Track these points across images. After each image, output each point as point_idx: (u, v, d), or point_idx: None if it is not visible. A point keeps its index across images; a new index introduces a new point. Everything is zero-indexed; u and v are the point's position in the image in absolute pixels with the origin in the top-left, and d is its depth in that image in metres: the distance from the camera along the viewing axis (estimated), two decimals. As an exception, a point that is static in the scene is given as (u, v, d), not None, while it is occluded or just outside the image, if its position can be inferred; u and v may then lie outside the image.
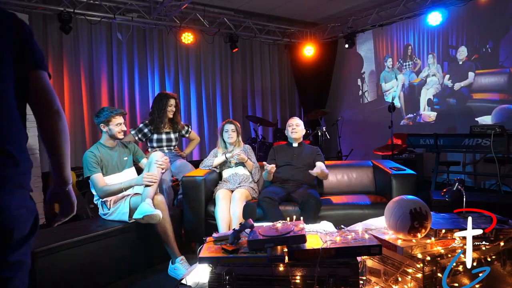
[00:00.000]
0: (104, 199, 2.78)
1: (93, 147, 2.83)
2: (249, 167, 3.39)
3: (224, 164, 3.43)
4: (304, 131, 3.49)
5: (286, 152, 3.42)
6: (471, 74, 5.56)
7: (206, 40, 6.47)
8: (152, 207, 2.56)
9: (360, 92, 7.44)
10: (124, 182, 2.77)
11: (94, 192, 2.82)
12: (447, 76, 5.93)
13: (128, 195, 2.76)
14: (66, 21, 4.80)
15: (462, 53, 5.69)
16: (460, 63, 5.72)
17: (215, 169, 3.44)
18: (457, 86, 5.79)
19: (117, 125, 2.82)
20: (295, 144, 3.44)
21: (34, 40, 1.18)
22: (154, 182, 2.67)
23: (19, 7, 4.61)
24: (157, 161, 2.74)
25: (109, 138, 2.86)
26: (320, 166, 3.18)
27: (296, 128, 3.41)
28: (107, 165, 2.79)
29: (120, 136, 2.85)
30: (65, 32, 4.89)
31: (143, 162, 3.05)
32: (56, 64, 5.12)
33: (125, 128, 2.89)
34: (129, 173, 2.94)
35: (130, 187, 2.77)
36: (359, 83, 7.47)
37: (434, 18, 5.52)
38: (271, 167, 3.13)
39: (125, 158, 2.94)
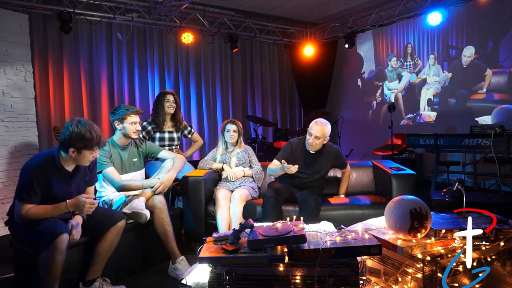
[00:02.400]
0: (105, 199, 2.79)
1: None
2: (248, 176, 3.37)
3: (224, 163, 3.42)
4: (325, 141, 3.00)
5: (301, 159, 3.08)
6: (488, 73, 5.43)
7: (206, 40, 6.47)
8: (143, 206, 2.56)
9: (360, 92, 7.44)
10: (145, 181, 2.78)
11: (97, 189, 2.82)
12: (449, 74, 5.93)
13: (129, 196, 2.75)
14: (66, 21, 4.80)
15: (467, 54, 5.65)
16: (465, 66, 5.69)
17: (215, 169, 3.43)
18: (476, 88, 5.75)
19: (132, 123, 2.77)
20: (312, 151, 3.07)
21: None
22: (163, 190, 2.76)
23: (19, 7, 4.61)
24: (155, 188, 2.72)
25: (122, 136, 2.81)
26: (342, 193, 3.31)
27: (313, 141, 2.94)
28: (114, 164, 2.75)
29: (134, 136, 2.81)
30: (65, 32, 4.89)
31: (162, 155, 3.00)
32: (56, 64, 5.12)
33: (139, 128, 2.86)
34: (135, 176, 2.88)
35: (150, 187, 2.72)
36: (359, 83, 7.47)
37: (434, 18, 5.51)
38: (293, 168, 2.82)
39: (135, 160, 2.89)
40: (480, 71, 5.49)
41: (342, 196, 3.26)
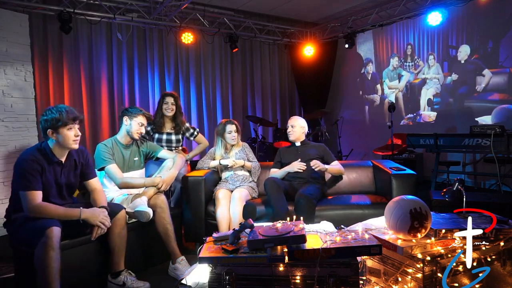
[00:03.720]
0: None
1: (107, 141, 2.82)
2: (247, 168, 3.39)
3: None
4: (303, 131, 3.43)
5: (291, 152, 3.43)
6: (487, 73, 5.42)
7: (206, 40, 6.47)
8: (146, 205, 2.57)
9: (360, 92, 7.44)
10: (147, 179, 2.81)
11: None
12: (450, 77, 5.93)
13: (131, 194, 2.76)
14: (66, 21, 4.80)
15: (464, 52, 5.66)
16: (462, 62, 5.69)
17: (214, 168, 3.44)
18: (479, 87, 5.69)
19: (139, 124, 2.84)
20: (297, 143, 3.45)
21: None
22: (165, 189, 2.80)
23: (19, 7, 4.61)
24: (158, 186, 2.76)
25: (126, 134, 2.84)
26: (331, 164, 3.34)
27: (291, 129, 3.41)
28: (115, 161, 2.77)
29: (136, 136, 2.85)
30: (65, 32, 4.89)
31: (162, 155, 3.02)
32: (56, 64, 5.12)
33: (143, 131, 2.91)
34: (135, 175, 2.88)
35: (152, 185, 2.75)
36: (359, 83, 7.47)
37: (434, 18, 5.52)
38: (300, 166, 3.19)
39: (135, 159, 2.91)
40: (479, 71, 5.49)
41: (326, 165, 3.26)
